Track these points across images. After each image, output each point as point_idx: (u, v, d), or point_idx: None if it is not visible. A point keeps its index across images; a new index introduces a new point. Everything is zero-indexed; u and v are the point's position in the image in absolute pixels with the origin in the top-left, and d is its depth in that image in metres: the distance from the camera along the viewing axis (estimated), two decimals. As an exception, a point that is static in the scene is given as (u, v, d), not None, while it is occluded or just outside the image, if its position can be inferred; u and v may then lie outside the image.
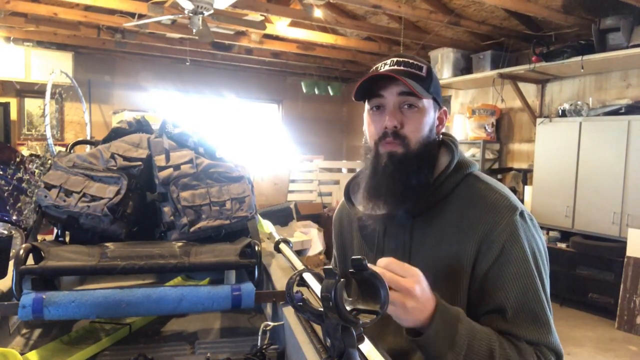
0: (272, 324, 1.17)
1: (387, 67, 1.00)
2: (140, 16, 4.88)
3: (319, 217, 5.70)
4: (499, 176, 6.00)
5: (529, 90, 5.66)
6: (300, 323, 1.05)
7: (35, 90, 5.97)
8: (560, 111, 5.04)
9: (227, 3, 3.69)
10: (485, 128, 5.89)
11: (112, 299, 1.14)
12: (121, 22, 5.13)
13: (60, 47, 6.40)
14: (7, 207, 3.87)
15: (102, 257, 1.27)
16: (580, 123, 4.75)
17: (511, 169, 5.95)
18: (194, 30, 4.00)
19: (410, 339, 0.84)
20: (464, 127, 6.13)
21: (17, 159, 4.00)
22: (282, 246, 1.65)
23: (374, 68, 1.03)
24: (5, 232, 3.82)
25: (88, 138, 4.53)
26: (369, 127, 1.04)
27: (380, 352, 0.77)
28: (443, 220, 0.99)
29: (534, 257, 0.94)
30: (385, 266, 0.79)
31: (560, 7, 4.58)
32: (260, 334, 1.14)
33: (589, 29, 4.49)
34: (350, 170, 6.30)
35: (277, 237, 1.72)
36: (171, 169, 1.59)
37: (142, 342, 1.27)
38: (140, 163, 1.60)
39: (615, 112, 4.55)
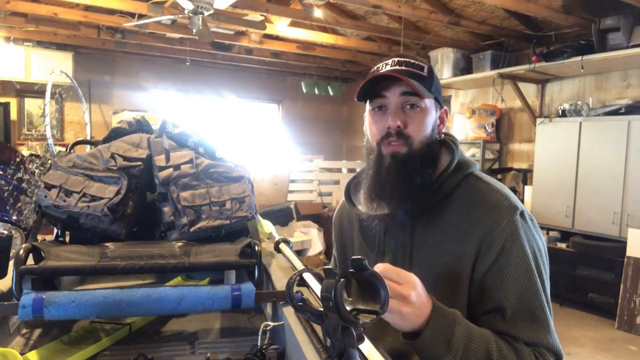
0: (272, 324, 1.16)
1: (388, 67, 0.99)
2: (140, 16, 4.89)
3: (319, 217, 5.70)
4: (499, 176, 6.00)
5: (529, 90, 5.66)
6: (300, 323, 1.05)
7: (35, 90, 5.98)
8: (560, 111, 5.04)
9: (227, 3, 3.69)
10: (485, 128, 5.89)
11: (112, 299, 1.14)
12: (121, 22, 5.13)
13: (60, 47, 6.40)
14: (7, 207, 3.87)
15: (102, 257, 1.27)
16: (580, 123, 4.75)
17: (511, 169, 5.95)
18: (194, 30, 4.00)
19: (406, 343, 0.84)
20: (464, 127, 6.13)
21: (17, 159, 4.00)
22: (282, 246, 1.65)
23: (375, 68, 1.02)
24: (5, 232, 3.82)
25: (88, 138, 4.53)
26: (370, 127, 1.04)
27: (380, 352, 0.77)
28: (443, 220, 0.99)
29: (534, 257, 0.94)
30: (380, 273, 0.79)
31: (560, 7, 4.58)
32: (260, 334, 1.14)
33: (589, 29, 4.49)
34: (350, 170, 6.30)
35: (277, 237, 1.72)
36: (171, 169, 1.59)
37: (142, 342, 1.27)
38: (140, 163, 1.60)
39: (615, 112, 4.55)
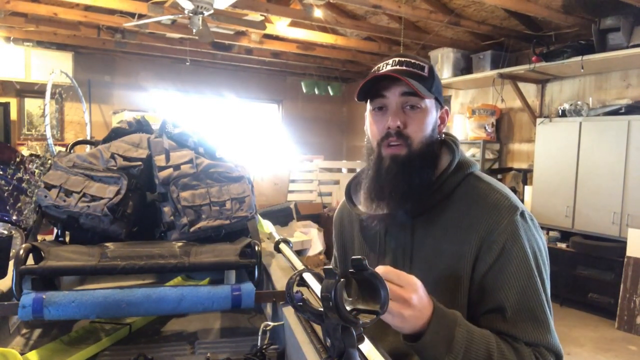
0: (272, 324, 1.17)
1: (389, 67, 0.99)
2: (140, 16, 4.88)
3: (319, 217, 5.70)
4: (499, 176, 6.00)
5: (529, 90, 5.66)
6: (300, 323, 1.05)
7: (35, 90, 5.97)
8: (560, 111, 5.04)
9: (227, 3, 3.69)
10: (485, 128, 5.89)
11: (112, 299, 1.14)
12: (121, 22, 5.13)
13: (60, 47, 6.40)
14: (7, 207, 3.86)
15: (102, 257, 1.27)
16: (580, 123, 4.75)
17: (511, 169, 5.95)
18: (194, 30, 4.00)
19: (407, 345, 0.84)
20: (464, 127, 6.13)
21: (17, 159, 3.99)
22: (282, 246, 1.65)
23: (376, 68, 1.02)
24: (5, 232, 3.82)
25: (88, 138, 4.53)
26: (371, 127, 1.04)
27: (380, 352, 0.77)
28: (444, 220, 0.99)
29: (535, 257, 0.94)
30: (381, 275, 0.79)
31: (560, 7, 4.58)
32: (260, 334, 1.14)
33: (589, 29, 4.49)
34: (350, 170, 6.30)
35: (277, 237, 1.72)
36: (171, 169, 1.59)
37: (142, 342, 1.27)
38: (140, 163, 1.60)
39: (615, 112, 4.55)
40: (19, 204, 3.58)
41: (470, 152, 6.02)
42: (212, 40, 5.05)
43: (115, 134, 1.73)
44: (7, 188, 3.91)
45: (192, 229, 1.51)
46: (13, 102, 6.48)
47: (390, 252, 1.06)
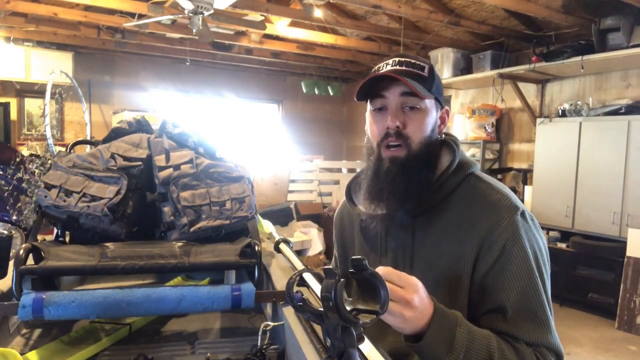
0: (272, 324, 1.16)
1: (389, 67, 0.99)
2: (140, 16, 4.88)
3: (319, 217, 5.70)
4: (499, 176, 6.00)
5: (529, 90, 5.66)
6: (300, 323, 1.05)
7: (35, 90, 5.97)
8: (560, 111, 5.04)
9: (227, 3, 3.69)
10: (485, 128, 5.89)
11: (112, 299, 1.14)
12: (121, 22, 5.13)
13: (60, 47, 6.40)
14: (7, 207, 3.86)
15: (102, 257, 1.27)
16: (580, 123, 4.75)
17: (511, 169, 5.95)
18: (194, 30, 4.00)
19: (408, 345, 0.84)
20: (464, 127, 6.13)
21: (17, 159, 3.99)
22: (282, 246, 1.65)
23: (376, 68, 1.02)
24: (5, 232, 3.81)
25: (88, 138, 4.53)
26: (371, 127, 1.04)
27: (380, 352, 0.77)
28: (444, 220, 0.99)
29: (535, 257, 0.94)
30: (382, 276, 0.79)
31: (560, 7, 4.58)
32: (260, 334, 1.14)
33: (589, 29, 4.49)
34: (350, 170, 6.30)
35: (277, 237, 1.72)
36: (171, 169, 1.59)
37: (142, 342, 1.27)
38: (140, 163, 1.60)
39: (615, 112, 4.55)
40: (19, 204, 3.58)
41: (470, 152, 6.02)
42: (212, 40, 5.05)
43: (115, 134, 1.73)
44: (7, 188, 3.91)
45: (192, 229, 1.51)
46: (13, 102, 6.48)
47: (391, 252, 1.06)
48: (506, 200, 0.96)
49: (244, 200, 1.60)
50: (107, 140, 1.71)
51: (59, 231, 1.51)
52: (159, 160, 1.61)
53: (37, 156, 3.90)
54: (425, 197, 1.00)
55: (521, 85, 5.41)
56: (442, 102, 1.05)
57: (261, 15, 5.04)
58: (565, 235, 4.93)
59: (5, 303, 1.14)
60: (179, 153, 1.65)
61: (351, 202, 1.16)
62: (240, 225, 1.57)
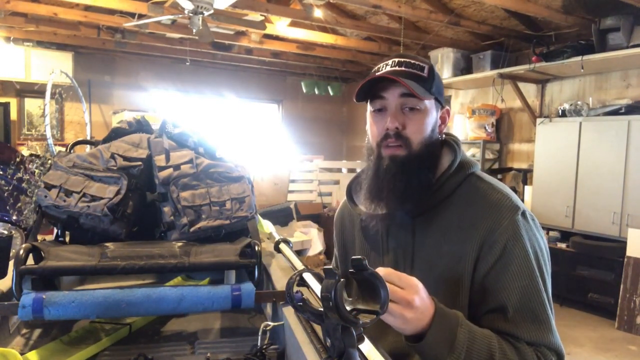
0: (272, 324, 1.16)
1: (388, 68, 0.99)
2: (140, 16, 4.88)
3: (319, 217, 5.70)
4: (499, 176, 6.00)
5: (529, 90, 5.66)
6: (300, 323, 1.05)
7: (35, 90, 5.97)
8: (560, 111, 5.04)
9: (227, 3, 3.68)
10: (485, 128, 5.89)
11: (112, 299, 1.14)
12: (121, 22, 5.13)
13: (60, 47, 6.40)
14: (7, 207, 3.86)
15: (102, 257, 1.27)
16: (580, 123, 4.75)
17: (511, 169, 5.95)
18: (194, 30, 4.00)
19: (409, 345, 0.84)
20: (464, 127, 6.13)
21: (17, 159, 3.99)
22: (282, 246, 1.65)
23: (375, 68, 1.02)
24: (5, 232, 3.81)
25: (88, 138, 4.53)
26: (371, 128, 1.04)
27: (380, 352, 0.77)
28: (445, 220, 0.99)
29: (536, 257, 0.94)
30: (383, 277, 0.79)
31: (560, 7, 4.58)
32: (260, 334, 1.14)
33: (589, 29, 4.49)
34: (350, 170, 6.30)
35: (277, 237, 1.72)
36: (171, 169, 1.59)
37: (142, 342, 1.27)
38: (140, 163, 1.60)
39: (615, 112, 4.55)
40: (19, 204, 3.58)
41: (470, 152, 6.01)
42: (212, 40, 5.05)
43: (115, 134, 1.73)
44: (7, 188, 3.91)
45: (192, 229, 1.51)
46: (13, 102, 6.48)
47: (391, 252, 1.06)
48: (507, 200, 0.96)
49: (244, 200, 1.60)
50: (107, 140, 1.71)
51: (59, 231, 1.51)
52: (159, 160, 1.61)
53: (37, 156, 3.90)
54: (425, 197, 1.00)
55: (521, 85, 5.41)
56: (443, 102, 1.05)
57: (261, 15, 5.04)
58: (565, 235, 4.93)
59: (5, 303, 1.14)
60: (179, 153, 1.65)
61: (352, 202, 1.16)
62: (240, 225, 1.57)
